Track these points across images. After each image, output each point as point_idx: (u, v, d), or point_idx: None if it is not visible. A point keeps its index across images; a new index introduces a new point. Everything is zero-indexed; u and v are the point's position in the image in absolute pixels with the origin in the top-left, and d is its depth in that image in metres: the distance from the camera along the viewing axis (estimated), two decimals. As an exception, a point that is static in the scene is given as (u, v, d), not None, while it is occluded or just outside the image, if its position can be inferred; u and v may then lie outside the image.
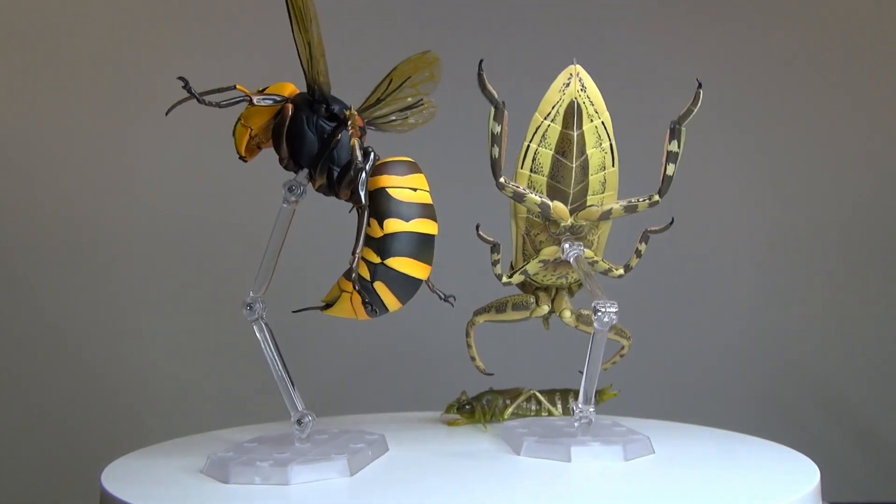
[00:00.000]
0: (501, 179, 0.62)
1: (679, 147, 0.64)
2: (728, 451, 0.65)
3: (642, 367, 1.18)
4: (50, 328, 1.12)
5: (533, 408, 0.73)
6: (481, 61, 0.60)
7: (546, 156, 0.63)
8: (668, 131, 0.64)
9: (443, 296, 0.64)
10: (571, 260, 0.64)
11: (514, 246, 0.68)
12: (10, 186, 1.13)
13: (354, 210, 0.57)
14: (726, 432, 0.72)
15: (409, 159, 0.58)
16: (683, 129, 0.64)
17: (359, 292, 0.56)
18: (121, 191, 1.15)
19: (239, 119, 0.62)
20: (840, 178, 1.21)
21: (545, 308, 0.70)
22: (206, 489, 0.54)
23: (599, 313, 0.58)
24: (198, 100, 0.57)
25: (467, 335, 0.73)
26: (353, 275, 0.55)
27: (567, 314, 0.70)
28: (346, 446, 0.59)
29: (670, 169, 0.64)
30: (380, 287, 0.56)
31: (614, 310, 0.59)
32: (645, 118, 1.23)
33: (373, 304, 0.57)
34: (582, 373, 0.61)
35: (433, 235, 0.57)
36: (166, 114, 0.57)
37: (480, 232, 0.69)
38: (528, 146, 0.63)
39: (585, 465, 0.58)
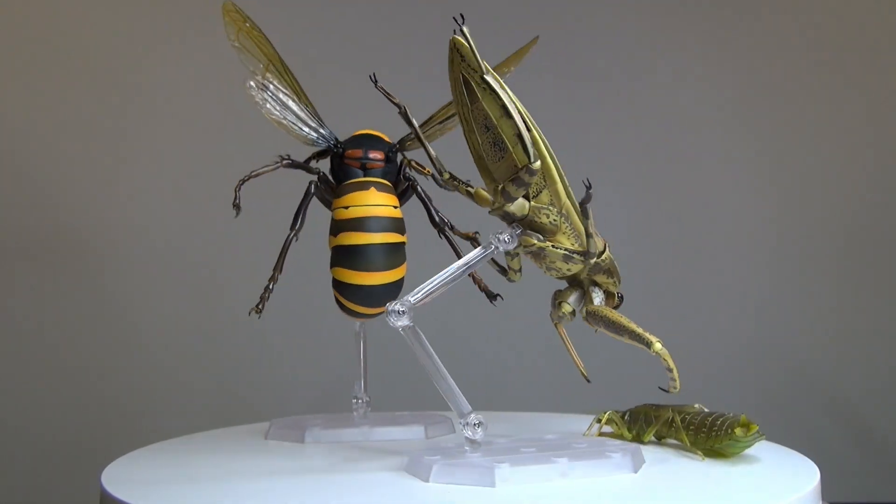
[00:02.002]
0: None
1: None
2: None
3: (642, 367, 1.18)
4: (50, 328, 1.12)
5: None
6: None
7: (471, 141, 0.57)
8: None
9: (491, 294, 0.68)
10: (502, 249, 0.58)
11: None
12: (10, 186, 1.13)
13: None
14: (726, 432, 0.72)
15: (355, 181, 0.65)
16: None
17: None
18: (120, 191, 1.15)
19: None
20: (845, 179, 1.21)
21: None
22: (209, 489, 0.54)
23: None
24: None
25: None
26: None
27: (566, 307, 0.63)
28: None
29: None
30: (336, 294, 0.65)
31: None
32: (645, 119, 1.23)
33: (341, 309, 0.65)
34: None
35: (362, 245, 0.63)
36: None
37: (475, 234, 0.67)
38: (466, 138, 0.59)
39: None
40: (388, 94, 0.56)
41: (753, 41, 1.21)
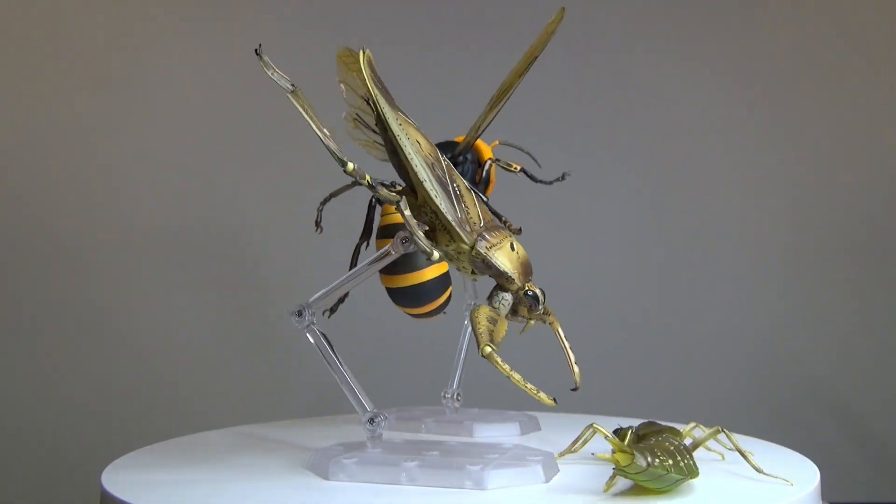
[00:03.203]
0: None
1: None
2: (728, 452, 0.65)
3: (642, 368, 1.19)
4: (49, 329, 1.12)
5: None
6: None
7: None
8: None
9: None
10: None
11: None
12: (10, 186, 1.12)
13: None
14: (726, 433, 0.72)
15: None
16: None
17: None
18: (121, 190, 1.15)
19: None
20: (853, 186, 1.20)
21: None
22: (209, 489, 0.54)
23: None
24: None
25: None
26: None
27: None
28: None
29: None
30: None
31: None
32: (653, 125, 1.23)
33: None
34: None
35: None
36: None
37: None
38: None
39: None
40: (278, 71, 0.54)
41: (766, 42, 1.21)
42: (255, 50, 0.54)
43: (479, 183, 0.70)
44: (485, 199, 0.67)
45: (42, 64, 1.14)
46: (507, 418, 0.71)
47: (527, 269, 0.55)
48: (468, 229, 0.55)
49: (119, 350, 1.13)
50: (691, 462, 0.51)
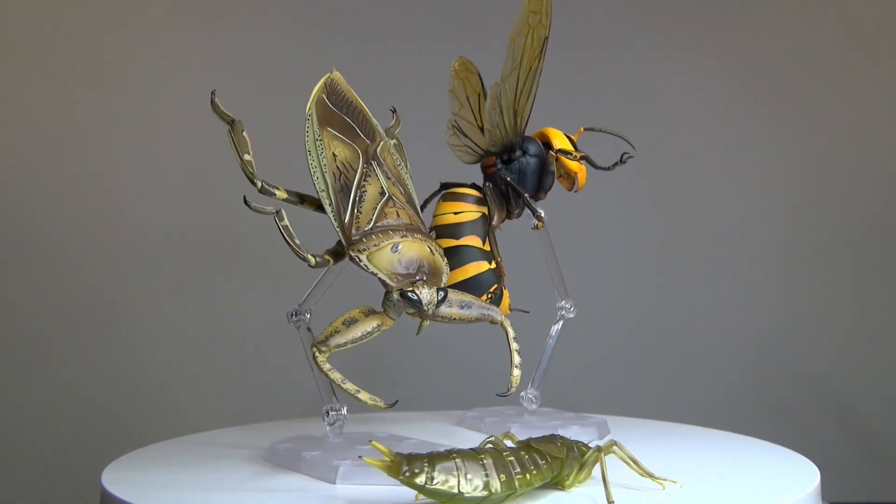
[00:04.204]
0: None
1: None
2: (728, 452, 0.65)
3: (642, 368, 1.19)
4: (49, 329, 1.12)
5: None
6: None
7: None
8: None
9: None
10: None
11: None
12: (10, 186, 1.13)
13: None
14: (726, 433, 0.72)
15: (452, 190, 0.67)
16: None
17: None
18: (120, 191, 1.15)
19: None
20: (855, 186, 1.20)
21: None
22: (209, 489, 0.54)
23: None
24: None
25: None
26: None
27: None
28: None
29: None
30: None
31: None
32: (651, 123, 1.23)
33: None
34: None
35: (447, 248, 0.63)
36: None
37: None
38: None
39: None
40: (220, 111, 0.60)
41: (768, 40, 1.21)
42: (212, 93, 0.61)
43: (546, 175, 0.69)
44: (521, 192, 0.67)
45: (42, 63, 1.14)
46: (587, 422, 0.70)
47: (407, 270, 0.55)
48: (350, 233, 0.56)
49: (119, 350, 1.13)
50: (497, 481, 0.47)
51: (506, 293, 0.68)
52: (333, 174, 0.58)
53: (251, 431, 0.72)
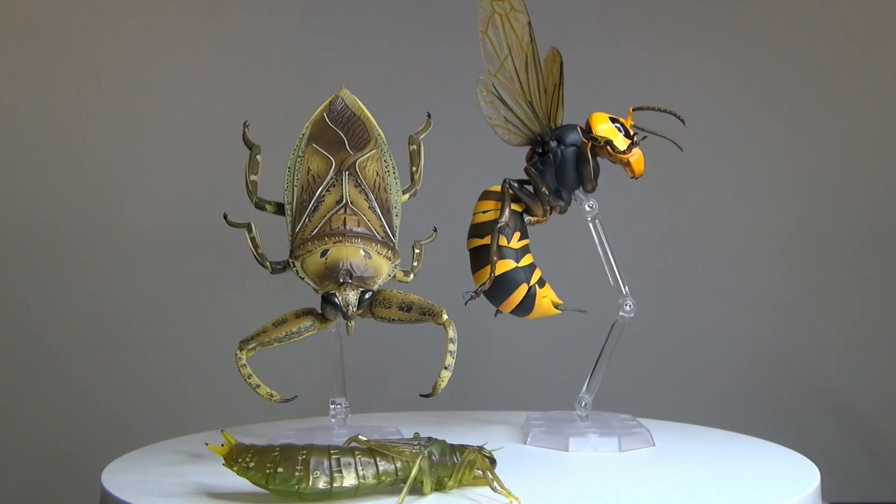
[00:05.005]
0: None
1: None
2: (728, 452, 0.65)
3: (642, 366, 1.19)
4: (49, 329, 1.12)
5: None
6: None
7: None
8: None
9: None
10: None
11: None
12: (10, 186, 1.13)
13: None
14: (726, 433, 0.72)
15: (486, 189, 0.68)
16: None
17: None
18: (119, 190, 1.15)
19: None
20: (857, 184, 1.20)
21: None
22: (209, 489, 0.54)
23: None
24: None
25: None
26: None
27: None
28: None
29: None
30: None
31: None
32: (647, 116, 1.23)
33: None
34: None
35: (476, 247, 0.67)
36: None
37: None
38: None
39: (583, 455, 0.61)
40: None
41: (769, 39, 1.21)
42: (244, 123, 0.66)
43: (584, 165, 0.67)
44: (539, 187, 0.67)
45: (42, 62, 1.14)
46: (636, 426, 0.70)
47: (331, 275, 0.56)
48: (296, 242, 0.59)
49: (119, 350, 1.13)
50: (325, 477, 0.49)
51: (549, 292, 0.68)
52: (302, 187, 0.62)
53: (252, 431, 0.72)
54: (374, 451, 0.50)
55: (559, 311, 0.68)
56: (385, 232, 0.60)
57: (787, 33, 1.21)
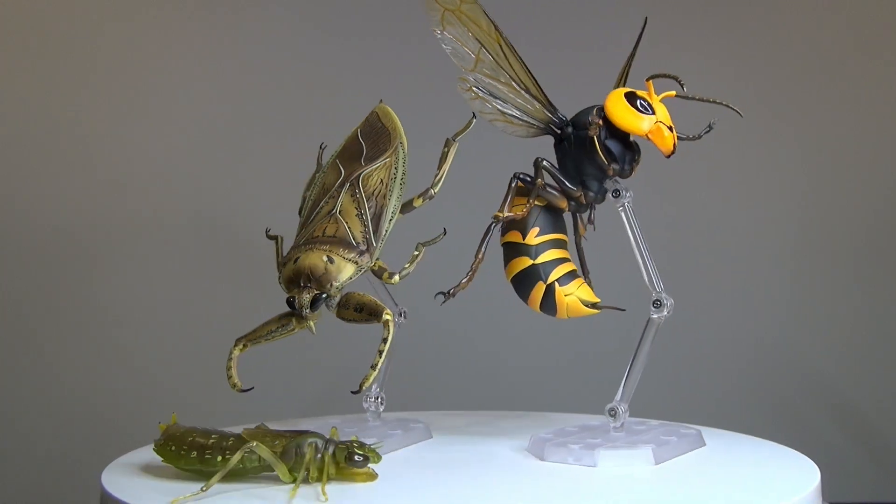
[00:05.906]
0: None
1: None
2: (728, 451, 0.65)
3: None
4: (49, 328, 1.12)
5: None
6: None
7: None
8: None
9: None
10: None
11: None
12: (9, 186, 1.13)
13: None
14: (726, 432, 0.72)
15: None
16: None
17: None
18: (121, 189, 1.15)
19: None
20: (863, 184, 1.20)
21: None
22: (212, 489, 0.54)
23: None
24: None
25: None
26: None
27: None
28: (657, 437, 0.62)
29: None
30: None
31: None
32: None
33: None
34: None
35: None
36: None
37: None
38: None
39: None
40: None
41: (774, 37, 1.21)
42: (320, 145, 0.68)
43: (591, 149, 0.65)
44: (543, 179, 0.66)
45: (41, 61, 1.14)
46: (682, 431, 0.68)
47: (296, 277, 0.59)
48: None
49: (119, 350, 1.13)
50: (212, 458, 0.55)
51: (579, 289, 0.67)
52: (314, 201, 0.64)
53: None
54: (244, 439, 0.56)
55: (593, 311, 0.67)
56: (364, 237, 0.60)
57: (791, 32, 1.21)
